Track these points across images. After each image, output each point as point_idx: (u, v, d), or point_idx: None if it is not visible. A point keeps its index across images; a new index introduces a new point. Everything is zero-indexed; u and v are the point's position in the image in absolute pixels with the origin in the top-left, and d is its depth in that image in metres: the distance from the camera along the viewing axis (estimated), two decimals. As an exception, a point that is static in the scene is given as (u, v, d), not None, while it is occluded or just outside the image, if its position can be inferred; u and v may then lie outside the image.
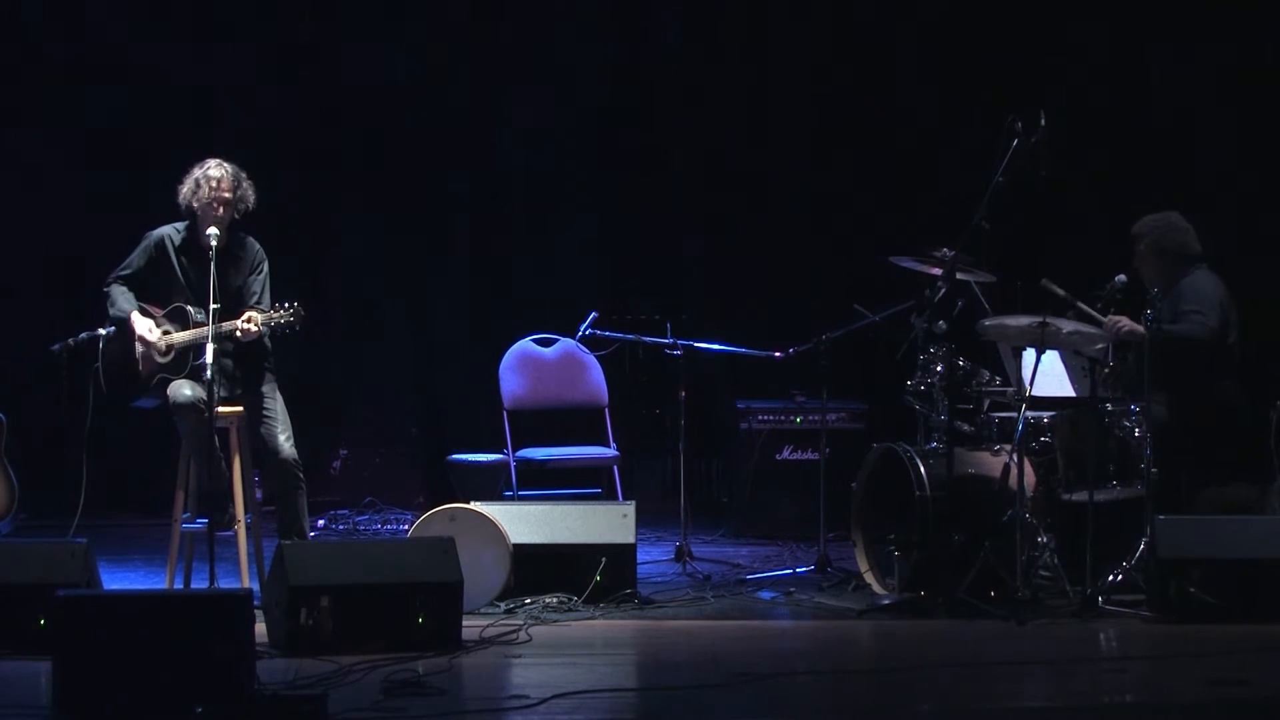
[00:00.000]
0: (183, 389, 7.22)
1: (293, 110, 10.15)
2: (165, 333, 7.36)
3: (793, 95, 10.13)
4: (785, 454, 9.22)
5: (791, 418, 9.21)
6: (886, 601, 7.27)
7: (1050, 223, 9.72)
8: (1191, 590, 6.84)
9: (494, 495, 8.79)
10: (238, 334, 7.17)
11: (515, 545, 7.14)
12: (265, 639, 6.37)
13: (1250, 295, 8.16)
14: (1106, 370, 7.42)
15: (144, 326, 7.35)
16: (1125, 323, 7.36)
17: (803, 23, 10.11)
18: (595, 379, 9.21)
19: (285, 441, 7.42)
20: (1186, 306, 7.53)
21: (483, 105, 10.16)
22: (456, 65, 10.17)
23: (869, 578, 7.52)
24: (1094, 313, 7.35)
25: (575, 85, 10.18)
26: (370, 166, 10.23)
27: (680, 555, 8.25)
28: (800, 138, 10.13)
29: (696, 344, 8.95)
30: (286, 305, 7.21)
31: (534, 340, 9.28)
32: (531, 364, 9.20)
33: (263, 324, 7.17)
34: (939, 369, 7.50)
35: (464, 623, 6.55)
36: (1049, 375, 7.48)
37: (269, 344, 7.42)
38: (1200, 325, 7.47)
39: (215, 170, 7.37)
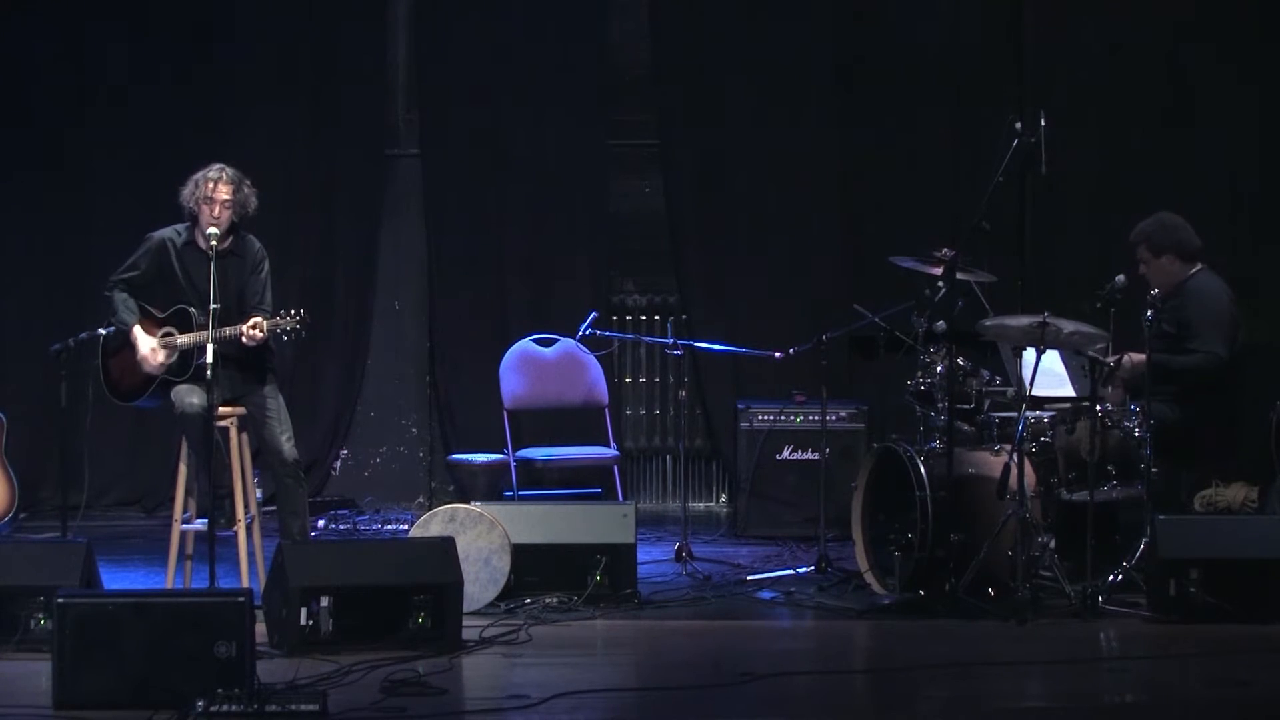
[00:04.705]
0: (189, 398, 7.20)
1: (292, 108, 10.14)
2: (167, 334, 7.35)
3: (794, 93, 10.11)
4: (785, 454, 9.21)
5: (791, 418, 9.20)
6: (886, 601, 7.27)
7: (1049, 223, 9.73)
8: (1191, 590, 6.83)
9: (494, 495, 8.80)
10: (244, 340, 7.17)
11: (515, 545, 7.13)
12: (265, 639, 6.37)
13: (1251, 295, 8.17)
14: (1108, 387, 7.43)
15: (146, 347, 7.33)
16: (1126, 358, 7.38)
17: (805, 19, 10.10)
18: (595, 379, 9.22)
19: (286, 442, 7.43)
20: (1195, 329, 7.50)
21: (483, 103, 10.15)
22: (457, 62, 10.15)
23: (869, 578, 7.52)
24: (1104, 359, 7.34)
25: (576, 83, 10.17)
26: (370, 164, 10.22)
27: (680, 555, 8.24)
28: (801, 137, 10.11)
29: (696, 344, 8.96)
30: (293, 313, 7.21)
31: (534, 340, 9.28)
32: (531, 364, 9.20)
33: (268, 330, 7.18)
34: (939, 369, 7.50)
35: (464, 623, 6.55)
36: (1049, 375, 7.47)
37: (272, 345, 7.43)
38: (1208, 358, 7.46)
39: (214, 173, 7.38)
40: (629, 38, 10.33)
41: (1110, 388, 7.50)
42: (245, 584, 7.11)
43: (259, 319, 7.20)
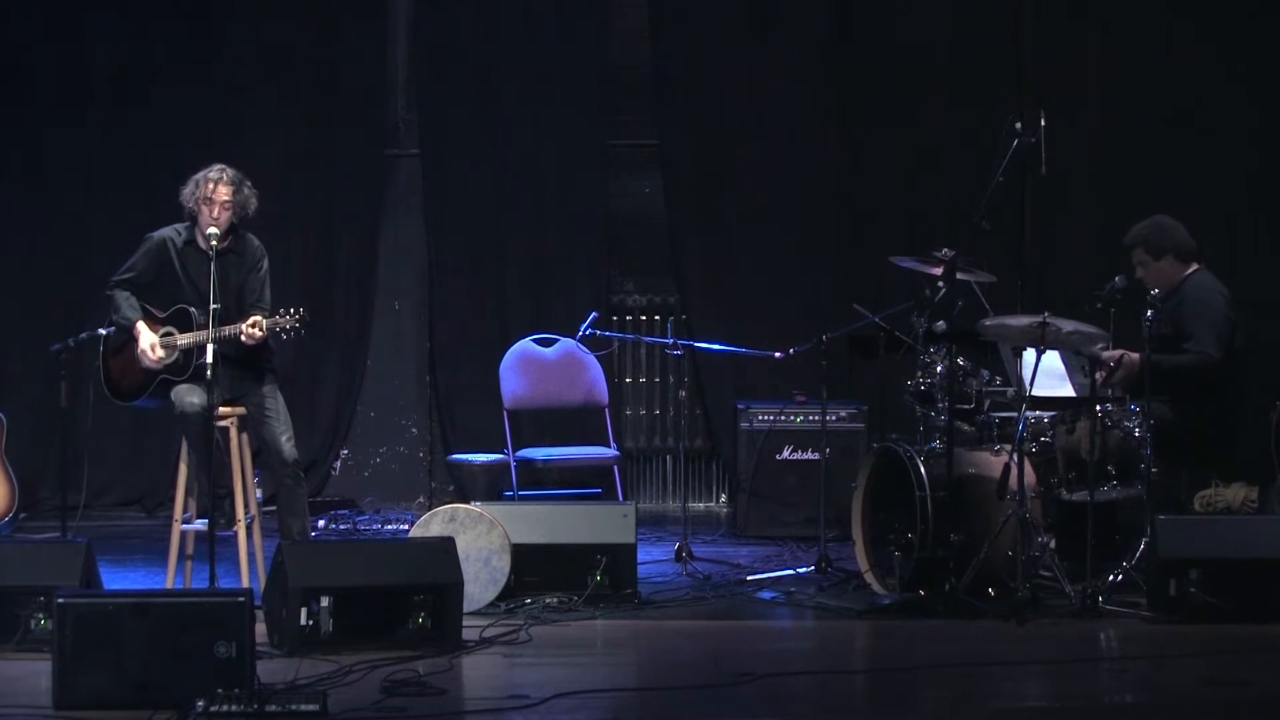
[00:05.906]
0: (189, 397, 7.20)
1: (292, 108, 10.15)
2: (168, 334, 7.35)
3: (794, 93, 10.11)
4: (785, 454, 9.21)
5: (791, 418, 9.21)
6: (886, 601, 7.27)
7: (1049, 223, 9.72)
8: (1191, 590, 6.83)
9: (494, 495, 8.80)
10: (243, 338, 7.17)
11: (515, 545, 7.14)
12: (265, 639, 6.37)
13: (1251, 295, 8.16)
14: (1108, 389, 7.43)
15: (147, 342, 7.32)
16: (1125, 358, 7.37)
17: (804, 19, 10.10)
18: (595, 379, 9.22)
19: (286, 442, 7.42)
20: (1189, 329, 7.49)
21: (483, 103, 10.15)
22: (457, 62, 10.15)
23: (869, 578, 7.52)
24: (1100, 355, 7.34)
25: (576, 83, 10.16)
26: (370, 164, 10.22)
27: (680, 555, 8.24)
28: (801, 137, 10.11)
29: (696, 344, 8.96)
30: (291, 311, 7.21)
31: (534, 340, 9.28)
32: (531, 364, 9.21)
33: (267, 329, 7.17)
34: (939, 369, 7.50)
35: (464, 623, 6.55)
36: (1049, 375, 7.47)
37: (271, 344, 7.42)
38: (1201, 357, 7.44)
39: (214, 173, 7.36)
40: (629, 38, 10.33)
41: (1110, 390, 7.50)
42: (245, 584, 7.12)
43: (258, 318, 7.19)
